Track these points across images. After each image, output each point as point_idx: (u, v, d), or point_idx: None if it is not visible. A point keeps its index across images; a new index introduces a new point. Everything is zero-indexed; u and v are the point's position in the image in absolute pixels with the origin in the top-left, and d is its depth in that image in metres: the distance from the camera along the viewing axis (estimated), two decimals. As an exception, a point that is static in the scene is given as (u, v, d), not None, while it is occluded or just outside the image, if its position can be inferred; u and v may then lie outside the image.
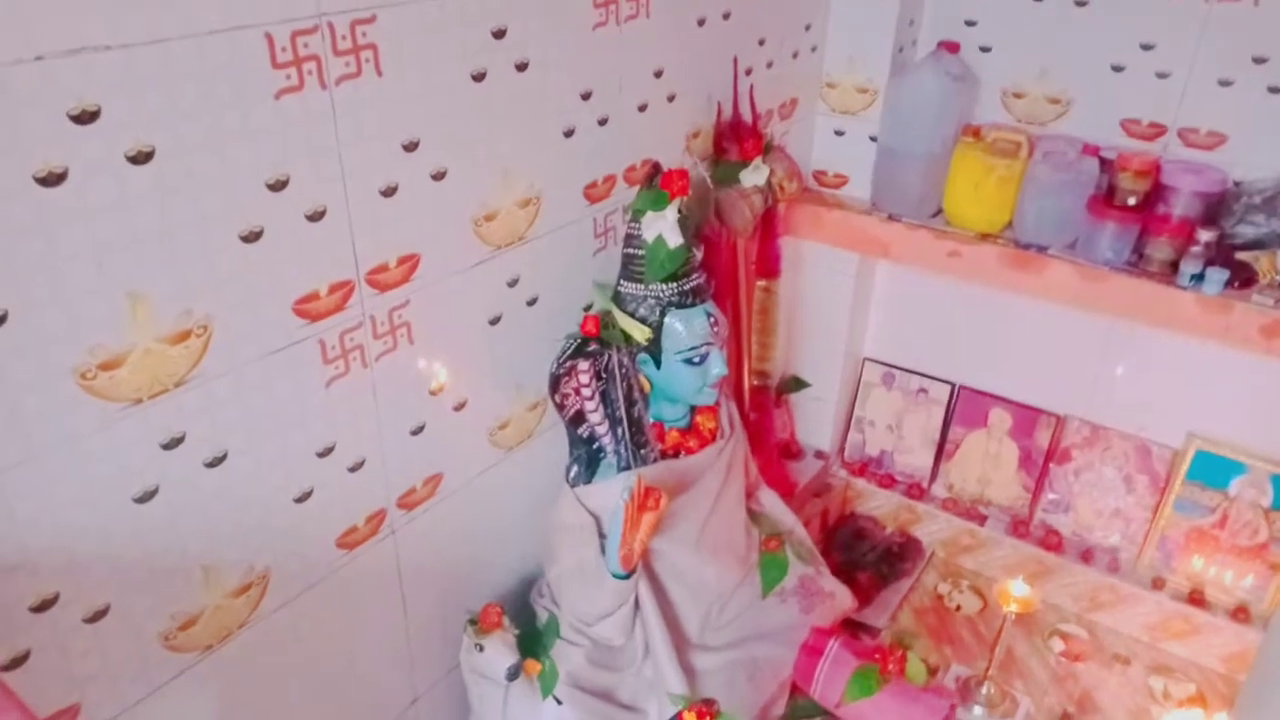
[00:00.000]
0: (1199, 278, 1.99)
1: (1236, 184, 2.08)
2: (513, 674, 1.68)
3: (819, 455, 2.77)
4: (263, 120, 1.16)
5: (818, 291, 2.57)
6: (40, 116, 0.96)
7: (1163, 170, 2.06)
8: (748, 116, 2.06)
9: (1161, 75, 2.10)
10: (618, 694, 1.83)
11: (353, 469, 1.47)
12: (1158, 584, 2.43)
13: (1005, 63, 2.28)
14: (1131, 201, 2.04)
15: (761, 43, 2.09)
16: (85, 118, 0.99)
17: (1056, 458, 2.57)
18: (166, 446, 1.19)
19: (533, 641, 1.82)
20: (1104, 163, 2.12)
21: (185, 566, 1.27)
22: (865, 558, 2.69)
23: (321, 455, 1.41)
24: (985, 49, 2.28)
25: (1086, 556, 2.51)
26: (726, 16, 1.93)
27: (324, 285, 1.31)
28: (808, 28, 2.24)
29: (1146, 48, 2.10)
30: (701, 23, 1.87)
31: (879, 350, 2.75)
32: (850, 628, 2.43)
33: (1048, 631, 2.49)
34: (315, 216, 1.26)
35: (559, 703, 1.76)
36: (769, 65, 2.14)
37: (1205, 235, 1.98)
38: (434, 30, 1.33)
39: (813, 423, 2.77)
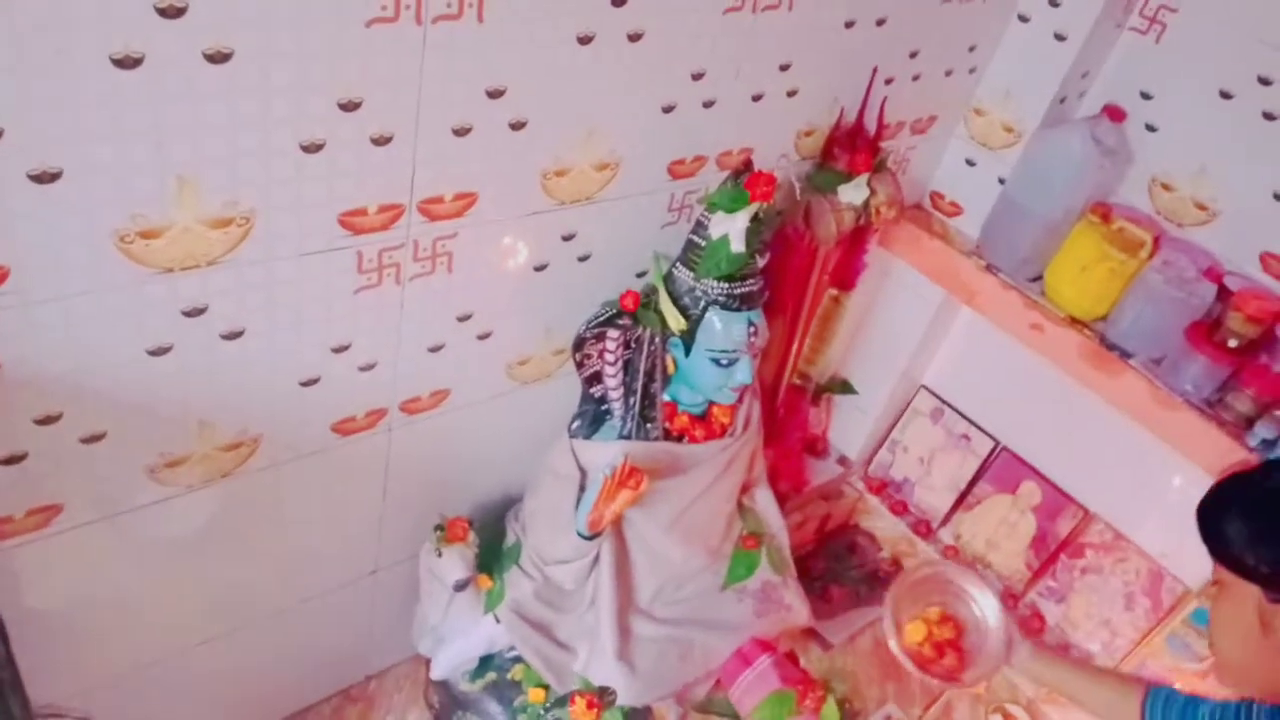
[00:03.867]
0: (1270, 444, 1.86)
1: (1357, 359, 1.91)
2: (459, 587, 1.80)
3: (841, 461, 2.76)
4: (349, 45, 1.17)
5: (894, 308, 2.50)
6: (127, 3, 0.99)
7: (1282, 320, 1.91)
8: (871, 128, 1.96)
9: (1322, 222, 1.92)
10: (555, 630, 1.94)
11: (363, 368, 1.54)
12: (1119, 704, 2.40)
13: (1166, 148, 2.10)
14: (1233, 344, 1.90)
15: (914, 55, 1.97)
16: (171, 12, 1.02)
17: (1070, 549, 2.50)
18: (188, 314, 1.27)
19: (493, 557, 1.93)
20: (1222, 289, 1.97)
21: (182, 417, 1.38)
22: (849, 573, 2.71)
23: (335, 351, 1.48)
24: (1151, 128, 2.10)
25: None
26: (880, 23, 1.82)
27: (374, 205, 1.35)
28: (972, 49, 2.09)
29: (1319, 187, 1.91)
30: (850, 25, 1.77)
31: (938, 383, 2.69)
32: (806, 636, 2.49)
33: (993, 705, 2.50)
34: (380, 141, 1.29)
35: (497, 621, 1.88)
36: (915, 78, 2.02)
37: (1296, 404, 1.85)
38: (550, -14, 1.31)
39: (848, 429, 2.74)
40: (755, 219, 1.64)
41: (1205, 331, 1.95)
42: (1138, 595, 2.41)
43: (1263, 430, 1.87)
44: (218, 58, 1.08)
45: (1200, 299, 1.96)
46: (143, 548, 1.49)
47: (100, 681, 1.59)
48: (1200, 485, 2.14)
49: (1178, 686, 1.58)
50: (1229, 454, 1.90)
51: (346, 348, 1.49)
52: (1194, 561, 2.28)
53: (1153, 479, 2.28)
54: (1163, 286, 1.97)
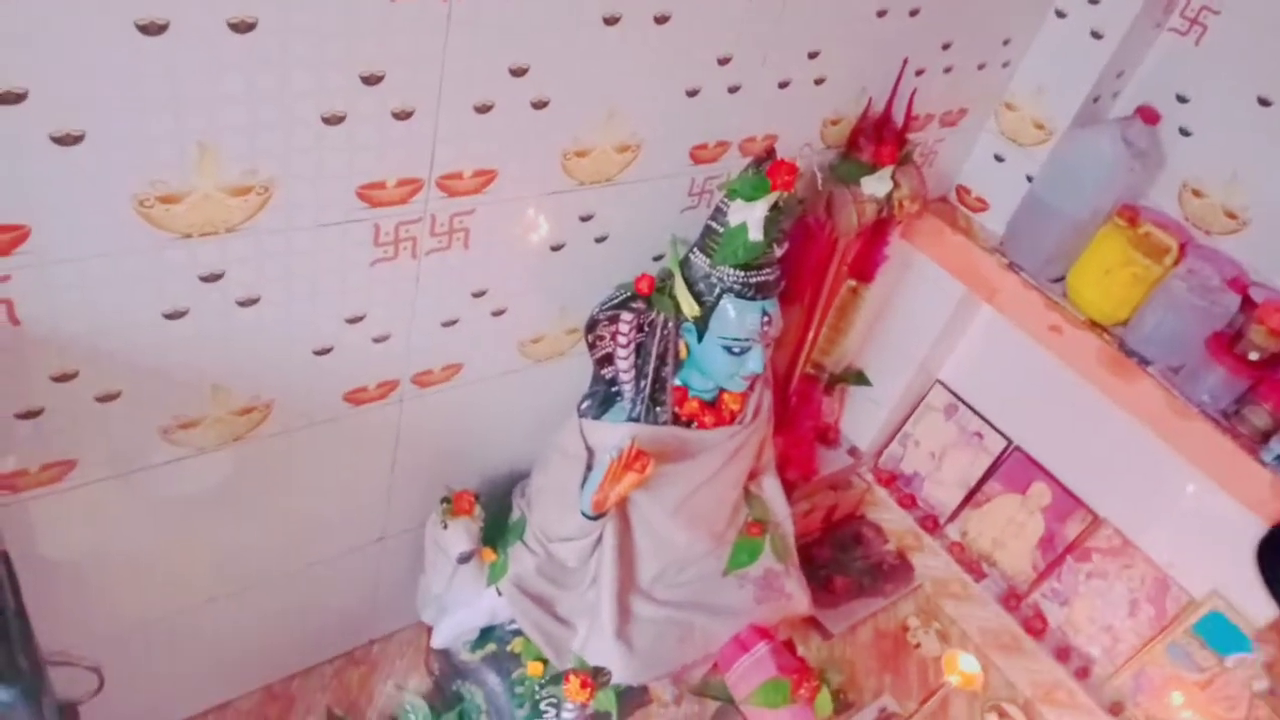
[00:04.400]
0: (1285, 459, 1.85)
1: (1380, 378, 1.89)
2: (464, 559, 1.82)
3: (852, 452, 2.76)
4: (371, 18, 1.17)
5: (913, 301, 2.49)
6: (154, -31, 1.00)
7: (1307, 334, 1.88)
8: (899, 120, 1.94)
9: (1354, 237, 1.89)
10: (556, 605, 1.95)
11: (377, 340, 1.55)
12: (1116, 709, 2.40)
13: (1199, 154, 2.06)
14: (1254, 356, 1.88)
15: (946, 47, 1.94)
16: (197, -20, 1.03)
17: (1077, 553, 2.50)
18: (205, 279, 1.29)
19: (498, 531, 1.95)
20: (1246, 300, 1.94)
21: (197, 380, 1.40)
22: (854, 564, 2.72)
23: (350, 321, 1.49)
24: (1185, 132, 2.06)
25: (1062, 654, 2.48)
26: (914, 14, 1.80)
27: (393, 178, 1.35)
28: (1006, 42, 2.06)
29: (1352, 201, 1.87)
30: (882, 14, 1.75)
31: (954, 379, 2.67)
32: (807, 624, 2.50)
33: (989, 703, 2.51)
34: (402, 115, 1.29)
35: (499, 594, 1.90)
36: (946, 70, 2.00)
37: (1314, 420, 1.83)
38: (577, -34, 1.30)
39: (860, 420, 2.74)
40: (775, 208, 1.63)
41: (1226, 342, 1.92)
42: (1142, 602, 2.40)
43: (1278, 446, 1.85)
44: (241, 27, 1.09)
45: (1223, 309, 1.93)
46: (154, 506, 1.51)
47: (109, 634, 1.63)
48: (1212, 497, 2.14)
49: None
50: (1243, 468, 1.89)
51: (361, 319, 1.50)
52: (1200, 572, 2.28)
53: (1164, 487, 2.27)
54: (1186, 294, 1.94)
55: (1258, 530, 2.03)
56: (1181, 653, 2.32)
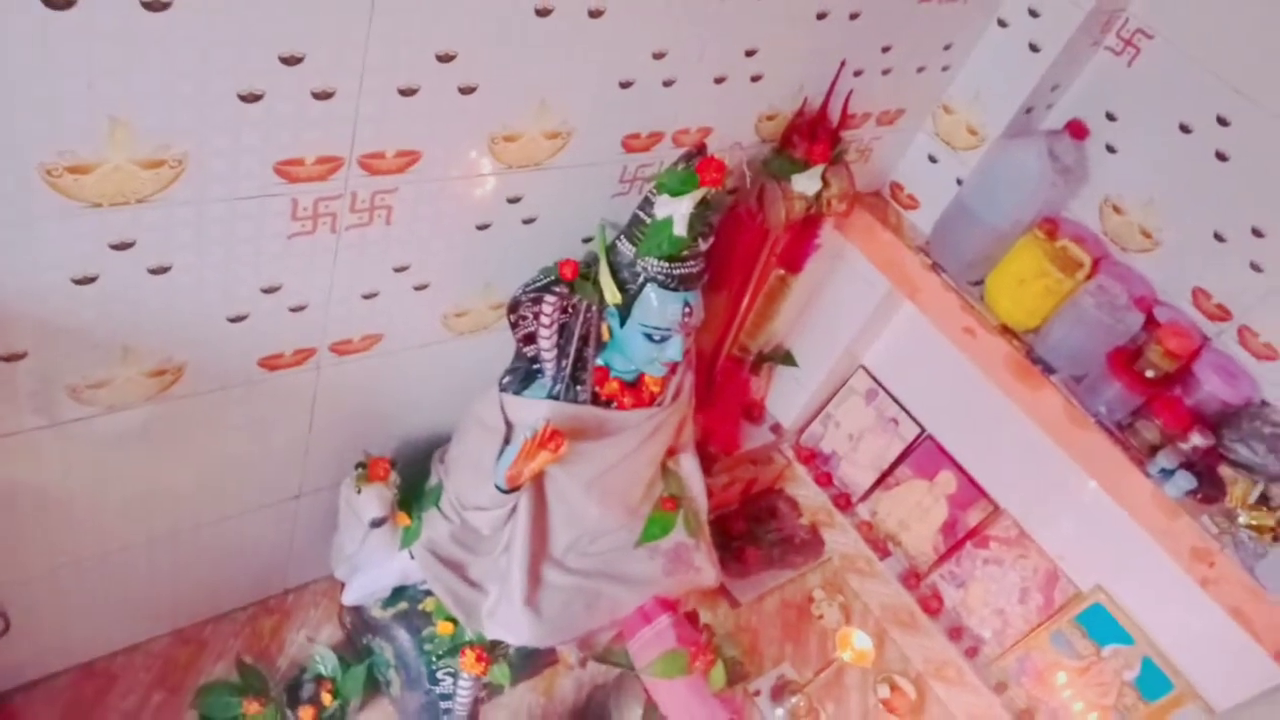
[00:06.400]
0: (1168, 474, 1.95)
1: (1263, 403, 2.00)
2: (375, 524, 1.85)
3: (775, 429, 2.83)
4: (293, 2, 1.16)
5: (842, 290, 2.54)
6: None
7: (1200, 356, 1.98)
8: (834, 119, 1.96)
9: (1256, 267, 1.97)
10: (468, 570, 2.00)
11: (294, 309, 1.56)
12: (1000, 688, 2.55)
13: (1122, 171, 2.12)
14: (1150, 374, 1.97)
15: (886, 49, 1.96)
16: (108, -42, 1.01)
17: (976, 540, 2.61)
18: (115, 247, 1.28)
19: (415, 495, 1.98)
20: (1150, 320, 2.03)
21: (107, 342, 1.40)
22: (767, 536, 2.82)
23: (266, 291, 1.50)
24: (1111, 149, 2.12)
25: (955, 633, 2.62)
26: (854, 17, 1.81)
27: (312, 156, 1.35)
28: (947, 47, 2.09)
29: (1257, 233, 1.95)
30: (822, 16, 1.76)
31: (876, 365, 2.75)
32: (717, 593, 2.60)
33: (882, 675, 2.64)
34: (322, 96, 1.28)
35: (411, 557, 1.94)
36: (885, 72, 2.02)
37: (1197, 439, 1.93)
38: (508, -41, 1.29)
39: (785, 399, 2.81)
40: (702, 203, 1.66)
41: (1126, 359, 2.01)
42: (1033, 591, 2.53)
43: (1164, 460, 1.95)
44: (155, 6, 1.07)
45: (1126, 326, 2.02)
46: (63, 460, 1.52)
47: (16, 578, 1.64)
48: (1103, 499, 2.25)
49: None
50: (1130, 479, 1.99)
51: (277, 289, 1.50)
52: (1088, 567, 2.41)
53: (1062, 487, 2.38)
54: (1093, 310, 2.02)
55: (1136, 530, 2.16)
56: (1064, 640, 2.46)
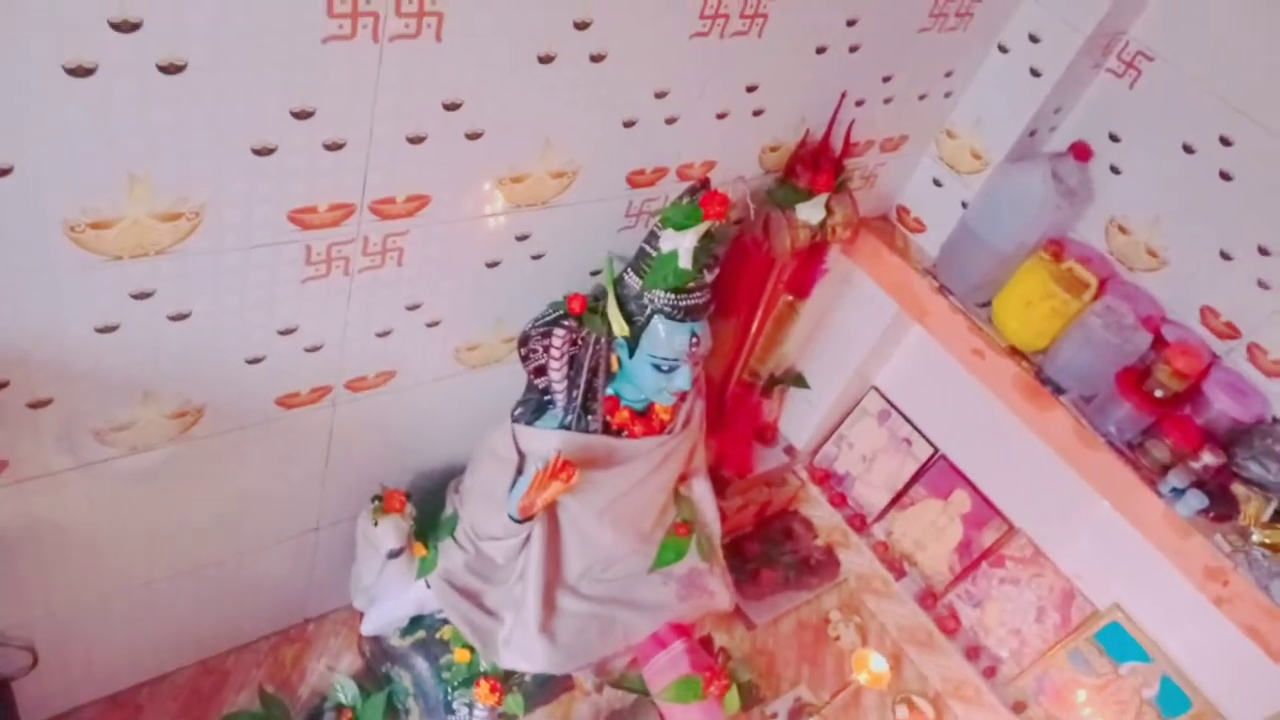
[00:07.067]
0: (1179, 493, 1.95)
1: (1274, 420, 1.99)
2: (392, 555, 1.89)
3: (788, 450, 2.85)
4: (304, 57, 1.20)
5: (851, 313, 2.56)
6: (81, 12, 1.02)
7: (1210, 375, 1.98)
8: (836, 149, 1.99)
9: (1263, 285, 1.97)
10: (484, 599, 2.03)
11: (309, 350, 1.60)
12: (1019, 707, 2.54)
13: (1127, 192, 2.13)
14: (1159, 394, 1.97)
15: (887, 79, 1.99)
16: (125, 27, 1.05)
17: (991, 559, 2.61)
18: (136, 297, 1.33)
19: (431, 525, 2.02)
20: (1158, 339, 2.03)
21: (128, 387, 1.44)
22: (783, 557, 2.83)
23: (282, 333, 1.54)
24: (1116, 170, 2.14)
25: (972, 652, 2.62)
26: (854, 49, 1.84)
27: (325, 204, 1.39)
28: (948, 74, 2.11)
29: (1263, 252, 1.96)
30: (821, 51, 1.79)
31: (889, 386, 2.76)
32: (732, 615, 2.60)
33: (900, 696, 2.64)
34: (333, 147, 1.32)
35: (428, 586, 1.97)
36: (887, 100, 2.05)
37: (1209, 458, 1.93)
38: (509, 8, 1.32)
39: (797, 421, 2.82)
40: (706, 236, 1.69)
41: (1135, 379, 2.01)
42: (1049, 609, 2.53)
43: (1175, 479, 1.95)
44: (171, 69, 1.11)
45: (1134, 346, 2.02)
46: (88, 500, 1.56)
47: (44, 615, 1.69)
48: (1117, 518, 2.25)
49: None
50: (1142, 498, 1.99)
51: (293, 330, 1.54)
52: (1104, 585, 2.41)
53: (1076, 506, 2.38)
54: (1101, 331, 2.03)
55: (1154, 554, 2.16)
56: (1081, 659, 2.46)
